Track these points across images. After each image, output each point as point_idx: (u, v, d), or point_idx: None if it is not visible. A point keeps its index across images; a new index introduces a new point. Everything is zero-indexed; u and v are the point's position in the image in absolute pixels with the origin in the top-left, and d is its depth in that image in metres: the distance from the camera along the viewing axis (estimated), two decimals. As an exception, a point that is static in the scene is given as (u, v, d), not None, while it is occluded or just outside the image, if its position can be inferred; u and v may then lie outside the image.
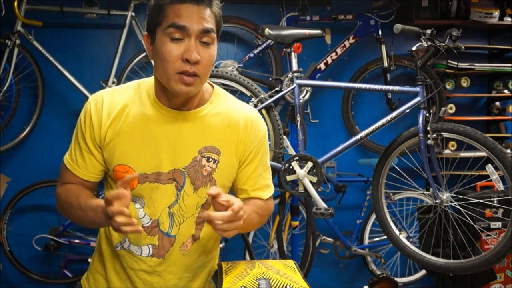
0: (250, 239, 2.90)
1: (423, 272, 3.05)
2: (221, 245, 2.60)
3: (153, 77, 1.23)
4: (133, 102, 1.21)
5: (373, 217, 2.97)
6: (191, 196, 1.23)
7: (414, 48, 2.33)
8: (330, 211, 2.25)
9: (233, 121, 1.25)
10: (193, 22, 1.08)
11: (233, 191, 1.36)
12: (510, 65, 3.04)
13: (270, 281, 1.08)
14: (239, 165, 1.28)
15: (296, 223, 2.56)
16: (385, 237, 2.38)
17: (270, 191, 1.36)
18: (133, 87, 1.24)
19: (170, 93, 1.17)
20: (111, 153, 1.20)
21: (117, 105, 1.20)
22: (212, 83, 1.30)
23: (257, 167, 1.30)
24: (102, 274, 1.31)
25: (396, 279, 2.65)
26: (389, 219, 2.30)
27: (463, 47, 2.24)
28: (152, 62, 1.19)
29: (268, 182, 1.36)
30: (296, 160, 2.27)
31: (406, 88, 2.24)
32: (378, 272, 2.96)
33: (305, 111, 2.46)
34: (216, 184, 1.25)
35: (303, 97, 2.64)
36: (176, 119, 1.20)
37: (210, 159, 1.23)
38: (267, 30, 2.33)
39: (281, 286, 1.07)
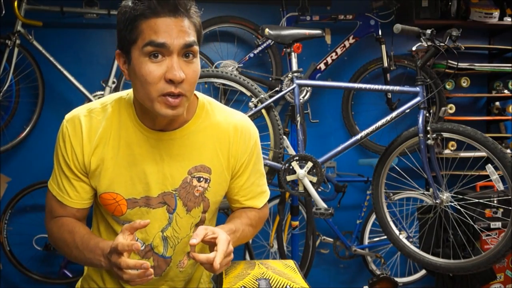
0: (250, 239, 2.90)
1: (423, 272, 3.05)
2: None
3: (131, 94, 1.14)
4: (114, 125, 1.12)
5: (373, 217, 2.97)
6: (184, 217, 1.19)
7: (414, 48, 2.33)
8: (330, 211, 2.25)
9: (222, 134, 1.18)
10: (173, 37, 0.97)
11: (225, 197, 1.31)
12: (510, 65, 3.04)
13: (270, 281, 1.08)
14: (231, 177, 1.23)
15: (296, 223, 2.56)
16: (385, 237, 2.38)
17: (265, 197, 1.31)
18: (111, 106, 1.14)
19: (153, 114, 1.07)
20: (97, 180, 1.13)
21: (98, 129, 1.11)
22: (196, 93, 1.19)
23: (249, 177, 1.24)
24: (97, 282, 1.27)
25: (396, 279, 2.66)
26: (389, 219, 2.30)
27: (463, 47, 2.24)
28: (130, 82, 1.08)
29: (263, 188, 1.30)
30: (296, 160, 2.27)
31: (406, 88, 2.24)
32: (378, 272, 2.96)
33: (305, 111, 2.46)
34: (209, 202, 1.20)
35: (303, 97, 2.64)
36: (161, 140, 1.13)
37: (202, 179, 1.17)
38: (267, 30, 2.33)
39: (281, 286, 1.07)
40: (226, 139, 1.18)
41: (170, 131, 1.13)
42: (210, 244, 1.05)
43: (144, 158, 1.13)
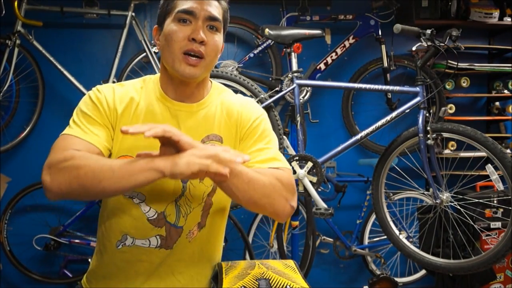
0: (250, 239, 2.90)
1: (423, 272, 3.05)
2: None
3: (158, 74, 1.28)
4: (140, 96, 1.24)
5: (373, 217, 2.97)
6: (197, 186, 1.23)
7: (414, 48, 2.33)
8: (330, 211, 2.25)
9: (231, 108, 1.29)
10: (201, 8, 1.15)
11: None
12: (510, 65, 3.04)
13: (270, 281, 1.08)
14: (239, 145, 1.29)
15: (296, 223, 2.56)
16: (385, 237, 2.38)
17: (277, 162, 1.22)
18: (140, 82, 1.29)
19: (176, 84, 1.21)
20: (119, 143, 1.20)
21: (127, 96, 1.23)
22: (211, 80, 1.34)
23: (256, 142, 1.25)
24: (103, 274, 1.29)
25: (396, 279, 2.67)
26: (389, 219, 2.30)
27: (463, 47, 2.24)
28: (160, 53, 1.24)
29: (274, 155, 1.24)
30: (296, 160, 2.27)
31: (406, 88, 2.24)
32: (378, 272, 2.96)
33: (305, 111, 2.46)
34: None
35: (303, 97, 2.64)
36: (181, 111, 1.23)
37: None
38: (267, 30, 2.33)
39: (281, 286, 1.07)
40: (233, 111, 1.28)
41: (189, 103, 1.25)
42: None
43: None
